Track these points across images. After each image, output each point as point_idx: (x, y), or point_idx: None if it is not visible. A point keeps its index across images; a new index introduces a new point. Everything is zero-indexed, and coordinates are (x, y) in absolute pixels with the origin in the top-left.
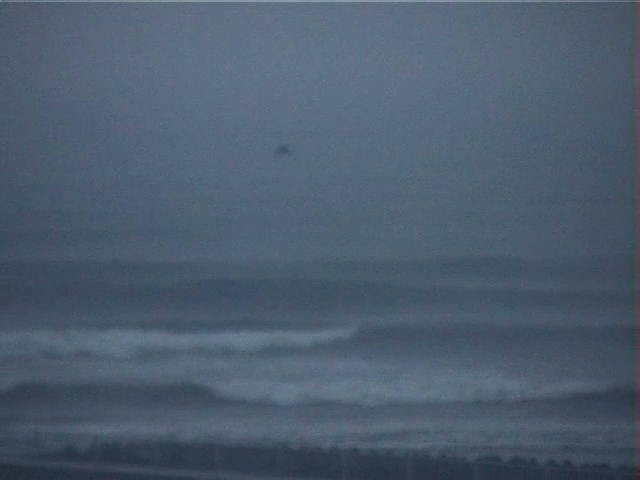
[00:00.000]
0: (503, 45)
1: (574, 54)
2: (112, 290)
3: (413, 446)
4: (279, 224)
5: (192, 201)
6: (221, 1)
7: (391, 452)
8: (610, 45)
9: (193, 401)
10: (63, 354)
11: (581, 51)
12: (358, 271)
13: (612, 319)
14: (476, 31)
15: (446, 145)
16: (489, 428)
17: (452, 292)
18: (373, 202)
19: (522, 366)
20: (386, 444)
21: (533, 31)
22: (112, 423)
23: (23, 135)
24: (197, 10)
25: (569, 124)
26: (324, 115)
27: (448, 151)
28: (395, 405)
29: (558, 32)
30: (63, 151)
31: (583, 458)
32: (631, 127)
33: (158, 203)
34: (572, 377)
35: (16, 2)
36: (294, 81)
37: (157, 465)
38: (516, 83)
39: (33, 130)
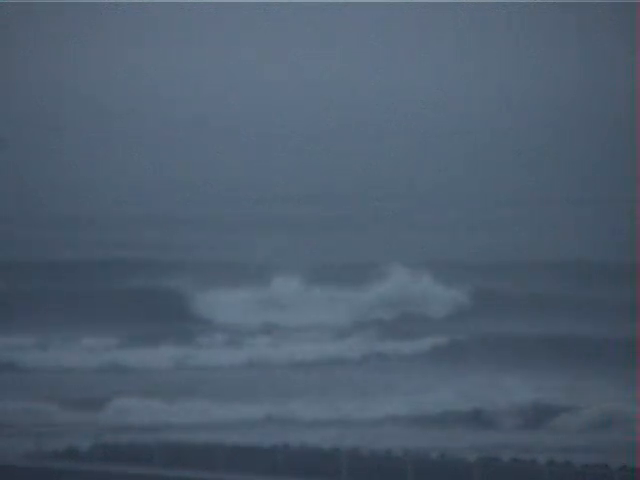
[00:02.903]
0: (502, 45)
1: (574, 54)
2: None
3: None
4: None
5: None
6: (221, 1)
7: (391, 452)
8: (610, 45)
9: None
10: None
11: (581, 51)
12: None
13: None
14: (477, 31)
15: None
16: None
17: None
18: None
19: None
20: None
21: (533, 31)
22: (112, 424)
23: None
24: (197, 10)
25: (569, 125)
26: (331, 116)
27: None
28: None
29: (558, 32)
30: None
31: (583, 458)
32: (631, 127)
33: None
34: None
35: (16, 2)
36: (298, 83)
37: (157, 465)
38: (515, 83)
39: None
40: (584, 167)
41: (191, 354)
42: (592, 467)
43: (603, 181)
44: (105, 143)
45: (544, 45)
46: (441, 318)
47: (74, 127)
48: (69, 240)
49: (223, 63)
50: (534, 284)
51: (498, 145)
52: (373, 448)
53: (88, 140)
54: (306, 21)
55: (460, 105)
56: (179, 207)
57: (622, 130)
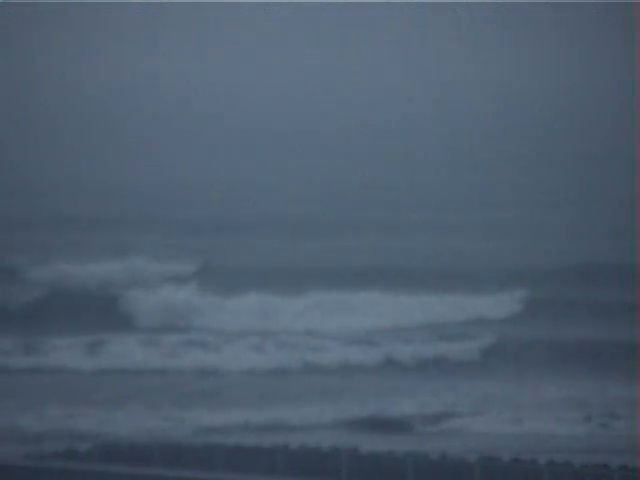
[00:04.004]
0: (502, 45)
1: (573, 54)
2: None
3: None
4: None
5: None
6: (221, 1)
7: (391, 452)
8: (610, 45)
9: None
10: None
11: (580, 51)
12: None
13: None
14: (477, 31)
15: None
16: None
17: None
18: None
19: None
20: None
21: (532, 31)
22: (112, 423)
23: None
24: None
25: (569, 125)
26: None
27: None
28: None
29: (557, 32)
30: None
31: (583, 458)
32: (631, 127)
33: None
34: None
35: (16, 2)
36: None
37: (157, 465)
38: (515, 83)
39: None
40: (584, 168)
41: (211, 359)
42: (592, 467)
43: (603, 182)
44: (105, 144)
45: (543, 45)
46: (453, 324)
47: (77, 128)
48: (74, 242)
49: (223, 63)
50: (547, 289)
51: (498, 146)
52: (373, 448)
53: (89, 140)
54: (306, 21)
55: (460, 105)
56: (180, 209)
57: (622, 130)
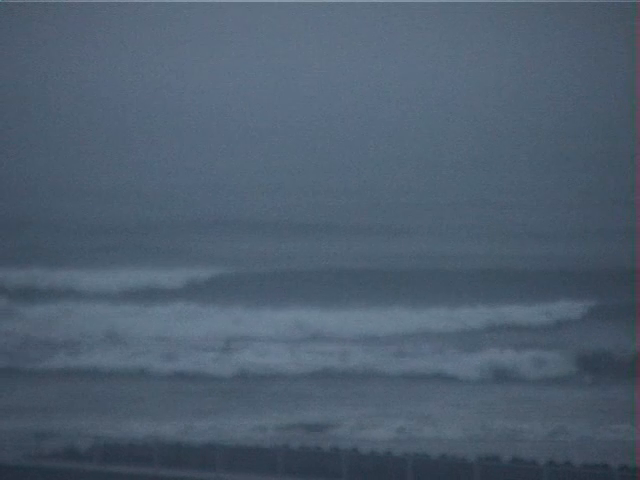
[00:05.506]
0: (502, 46)
1: (573, 54)
2: None
3: None
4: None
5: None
6: (221, 1)
7: (391, 452)
8: (610, 45)
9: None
10: None
11: (580, 51)
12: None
13: None
14: (478, 31)
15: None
16: None
17: None
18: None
19: None
20: None
21: (532, 31)
22: (112, 423)
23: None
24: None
25: (568, 126)
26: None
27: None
28: None
29: (558, 32)
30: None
31: (583, 458)
32: (631, 127)
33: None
34: None
35: (16, 2)
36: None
37: (157, 465)
38: (515, 84)
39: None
40: (583, 169)
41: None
42: (592, 467)
43: (604, 183)
44: (102, 144)
45: (544, 45)
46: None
47: (77, 128)
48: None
49: (224, 64)
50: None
51: (498, 147)
52: (373, 448)
53: (87, 141)
54: (307, 21)
55: (459, 107)
56: (180, 210)
57: (622, 131)
